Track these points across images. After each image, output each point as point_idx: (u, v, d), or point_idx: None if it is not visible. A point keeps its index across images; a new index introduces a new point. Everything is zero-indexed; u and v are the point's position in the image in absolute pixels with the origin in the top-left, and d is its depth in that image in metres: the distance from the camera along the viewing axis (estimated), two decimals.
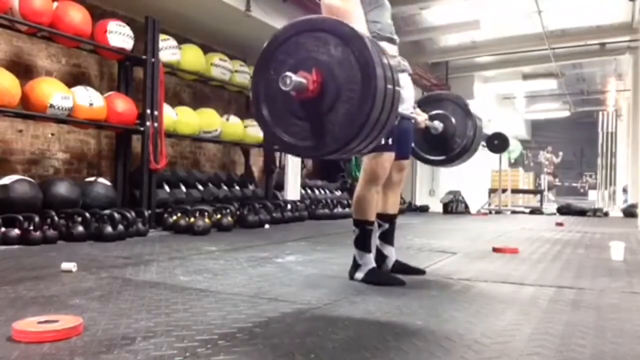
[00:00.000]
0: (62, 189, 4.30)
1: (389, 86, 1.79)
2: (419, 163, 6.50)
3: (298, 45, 1.86)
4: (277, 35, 1.93)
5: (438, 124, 3.11)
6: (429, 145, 3.28)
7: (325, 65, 1.78)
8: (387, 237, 2.79)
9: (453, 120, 3.16)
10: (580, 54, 10.72)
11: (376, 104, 1.73)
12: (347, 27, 1.82)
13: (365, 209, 2.55)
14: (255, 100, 1.94)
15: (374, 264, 2.58)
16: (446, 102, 3.24)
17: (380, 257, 2.75)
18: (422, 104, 3.00)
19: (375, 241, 2.73)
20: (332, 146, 1.83)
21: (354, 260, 2.59)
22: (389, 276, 2.60)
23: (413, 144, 3.24)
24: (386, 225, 2.78)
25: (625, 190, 11.38)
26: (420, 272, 2.81)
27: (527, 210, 10.27)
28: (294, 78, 1.73)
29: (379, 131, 1.85)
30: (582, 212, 9.32)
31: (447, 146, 3.22)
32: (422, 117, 2.86)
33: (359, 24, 2.34)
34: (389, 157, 2.53)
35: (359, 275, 2.55)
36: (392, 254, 2.79)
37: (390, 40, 2.62)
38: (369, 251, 2.57)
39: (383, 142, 2.47)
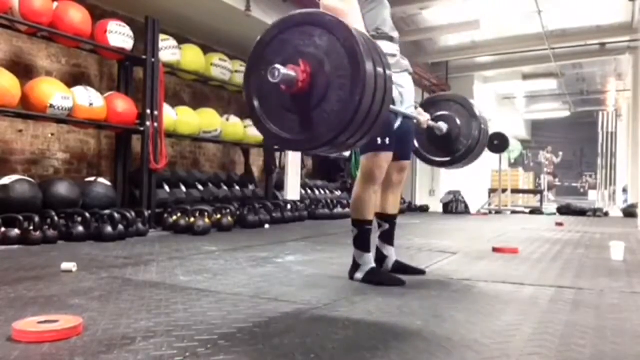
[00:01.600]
0: (62, 189, 4.30)
1: (380, 78, 1.79)
2: (419, 163, 6.51)
3: (284, 42, 1.87)
4: (263, 36, 1.94)
5: (443, 125, 3.09)
6: (434, 146, 3.26)
7: (313, 57, 1.79)
8: (387, 237, 2.79)
9: (458, 121, 3.15)
10: (580, 54, 10.73)
11: (367, 86, 1.73)
12: (329, 16, 1.83)
13: (363, 209, 2.55)
14: (249, 100, 1.95)
15: (373, 264, 2.58)
16: (451, 103, 3.22)
17: (380, 257, 2.75)
18: (426, 105, 2.98)
19: (375, 241, 2.73)
20: (327, 135, 1.81)
21: (354, 260, 2.59)
22: (389, 276, 2.60)
23: (418, 145, 3.25)
24: (386, 226, 2.78)
25: (625, 190, 11.38)
26: (420, 272, 2.81)
27: (527, 211, 10.27)
28: (283, 70, 1.73)
29: (372, 121, 1.84)
30: (582, 212, 9.32)
31: (452, 147, 3.20)
32: (424, 118, 2.85)
33: (357, 24, 2.34)
34: (386, 157, 2.53)
35: (359, 275, 2.55)
36: (392, 253, 2.79)
37: (390, 39, 2.61)
38: (368, 251, 2.57)
39: (380, 141, 2.47)
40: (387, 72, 1.85)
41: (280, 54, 1.84)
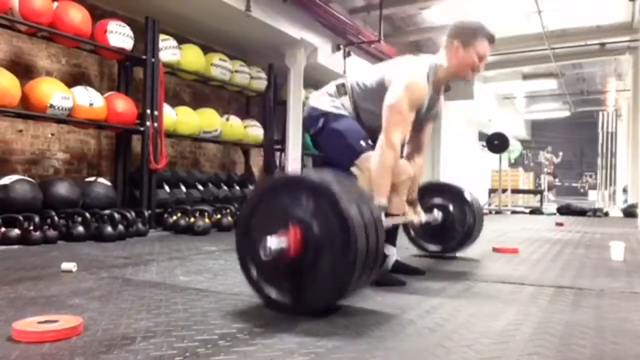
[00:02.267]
0: (62, 189, 4.30)
1: (367, 216, 1.80)
2: None
3: (273, 206, 1.89)
4: (251, 198, 1.98)
5: (437, 214, 3.08)
6: (428, 234, 3.26)
7: (302, 220, 1.80)
8: (390, 237, 2.78)
9: (451, 209, 3.14)
10: (580, 54, 10.73)
11: (359, 249, 1.74)
12: (313, 181, 1.85)
13: None
14: (245, 269, 1.97)
15: None
16: (443, 192, 3.23)
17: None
18: (421, 193, 2.94)
19: None
20: (328, 298, 1.84)
21: None
22: (389, 276, 2.59)
23: (413, 233, 3.27)
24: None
25: (625, 190, 11.38)
26: (420, 272, 2.81)
27: (527, 210, 10.27)
28: (274, 247, 1.74)
29: (372, 263, 1.85)
30: (582, 212, 9.32)
31: (447, 236, 3.21)
32: (418, 219, 2.81)
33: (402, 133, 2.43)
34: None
35: None
36: (394, 253, 2.78)
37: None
38: None
39: (364, 144, 2.50)
40: (375, 214, 1.86)
41: (269, 218, 1.86)
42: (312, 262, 1.80)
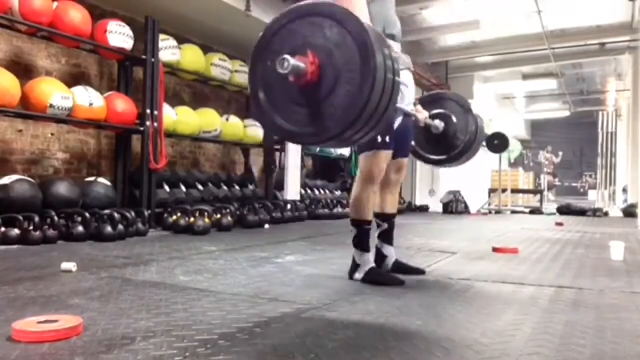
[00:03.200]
0: (62, 189, 4.29)
1: (389, 75, 1.74)
2: (419, 163, 6.50)
3: (293, 33, 1.81)
4: (271, 25, 1.89)
5: (439, 123, 3.10)
6: (431, 145, 3.27)
7: (322, 48, 1.73)
8: (387, 237, 2.79)
9: (454, 118, 3.16)
10: (580, 54, 10.72)
11: (377, 84, 1.68)
12: (340, 8, 1.77)
13: (362, 209, 2.55)
14: (253, 91, 1.89)
15: (373, 264, 2.58)
16: (446, 101, 3.24)
17: (380, 257, 2.75)
18: (422, 104, 3.00)
19: (374, 241, 2.73)
20: (334, 130, 1.77)
21: (354, 260, 2.59)
22: (389, 276, 2.60)
23: (415, 144, 3.24)
24: (385, 225, 2.78)
25: (625, 190, 11.38)
26: (420, 272, 2.81)
27: (527, 211, 10.26)
28: (292, 61, 1.68)
29: (379, 118, 1.80)
30: (582, 212, 9.32)
31: (449, 145, 3.21)
32: (422, 115, 2.87)
33: (363, 16, 2.29)
34: (385, 155, 2.52)
35: (359, 275, 2.55)
36: (392, 253, 2.79)
37: (392, 37, 2.60)
38: (368, 251, 2.57)
39: (380, 139, 2.47)
40: (396, 66, 1.80)
41: (287, 44, 1.77)
42: (325, 93, 1.74)
